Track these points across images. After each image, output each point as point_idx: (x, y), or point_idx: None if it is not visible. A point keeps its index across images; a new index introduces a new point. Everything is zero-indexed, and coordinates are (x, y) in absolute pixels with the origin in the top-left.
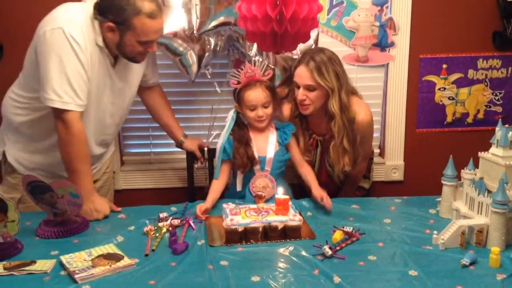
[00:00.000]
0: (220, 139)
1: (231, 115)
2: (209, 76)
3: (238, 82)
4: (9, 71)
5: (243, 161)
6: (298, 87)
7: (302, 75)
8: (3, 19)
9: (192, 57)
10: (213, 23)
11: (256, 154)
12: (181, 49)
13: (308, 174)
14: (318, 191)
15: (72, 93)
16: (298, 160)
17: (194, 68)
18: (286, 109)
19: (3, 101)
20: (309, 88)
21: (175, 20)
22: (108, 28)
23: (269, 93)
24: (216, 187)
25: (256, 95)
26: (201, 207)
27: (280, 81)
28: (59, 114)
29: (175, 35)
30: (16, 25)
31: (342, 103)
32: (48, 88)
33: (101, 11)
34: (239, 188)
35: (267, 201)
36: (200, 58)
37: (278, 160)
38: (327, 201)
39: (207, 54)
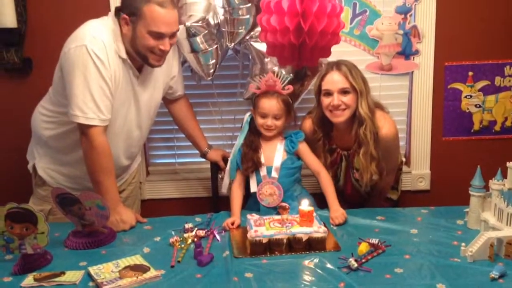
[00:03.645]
0: (237, 141)
1: (246, 118)
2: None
3: (258, 88)
4: (37, 85)
5: (248, 165)
6: (328, 95)
7: (336, 79)
8: (32, 34)
9: (212, 55)
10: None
11: (263, 161)
12: (201, 46)
13: (326, 187)
14: (333, 215)
15: (95, 109)
16: (314, 168)
17: (212, 67)
18: (307, 123)
19: (32, 115)
20: (343, 92)
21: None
22: (123, 21)
23: (283, 106)
24: (237, 197)
25: (270, 104)
26: (229, 223)
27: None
28: (83, 129)
29: (208, 25)
30: (44, 40)
31: (369, 107)
32: (73, 104)
33: (120, 7)
34: (253, 189)
35: (274, 208)
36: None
37: (287, 168)
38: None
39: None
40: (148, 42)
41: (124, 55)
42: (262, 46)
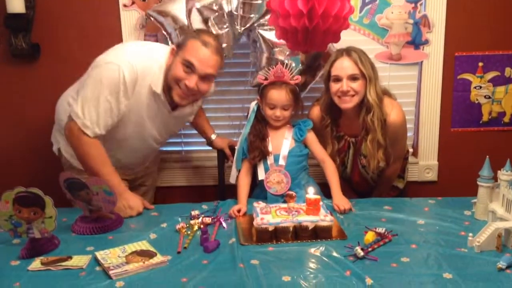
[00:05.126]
0: (243, 130)
1: (252, 107)
2: None
3: (266, 78)
4: (45, 70)
5: (255, 154)
6: (337, 80)
7: (345, 66)
8: (40, 19)
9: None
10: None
11: (270, 149)
12: (212, 30)
13: (331, 177)
14: (337, 202)
15: (95, 120)
16: (319, 157)
17: (224, 52)
18: (315, 110)
19: (59, 102)
20: (353, 78)
21: None
22: (171, 52)
23: (291, 96)
24: (244, 185)
25: (279, 95)
26: (235, 210)
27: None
28: (74, 127)
29: (220, 9)
30: (52, 25)
31: (377, 94)
32: (80, 103)
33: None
34: (260, 177)
35: (282, 196)
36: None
37: (295, 156)
38: (347, 208)
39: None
40: (178, 71)
41: (159, 90)
42: (270, 35)
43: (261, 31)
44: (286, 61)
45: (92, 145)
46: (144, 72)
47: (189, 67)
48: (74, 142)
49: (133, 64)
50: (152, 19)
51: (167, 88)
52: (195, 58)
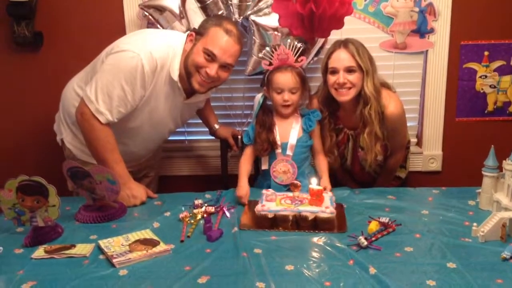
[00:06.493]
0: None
1: (258, 99)
2: None
3: (270, 64)
4: (48, 59)
5: (263, 146)
6: (334, 73)
7: (342, 57)
8: (43, 7)
9: None
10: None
11: (278, 139)
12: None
13: (322, 164)
14: (324, 183)
15: (107, 107)
16: (317, 149)
17: None
18: (313, 103)
19: (65, 90)
20: (349, 70)
21: None
22: (189, 38)
23: (298, 79)
24: (244, 170)
25: (285, 78)
26: (242, 195)
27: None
28: (86, 111)
29: None
30: (55, 13)
31: (375, 87)
32: (93, 88)
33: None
34: (264, 167)
35: (285, 185)
36: None
37: (301, 146)
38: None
39: None
40: (199, 58)
41: (176, 78)
42: (264, 20)
43: (254, 18)
44: (289, 40)
45: (102, 131)
46: (163, 61)
47: (210, 55)
48: (85, 127)
49: (153, 53)
50: (146, 14)
51: (186, 74)
52: (218, 47)
